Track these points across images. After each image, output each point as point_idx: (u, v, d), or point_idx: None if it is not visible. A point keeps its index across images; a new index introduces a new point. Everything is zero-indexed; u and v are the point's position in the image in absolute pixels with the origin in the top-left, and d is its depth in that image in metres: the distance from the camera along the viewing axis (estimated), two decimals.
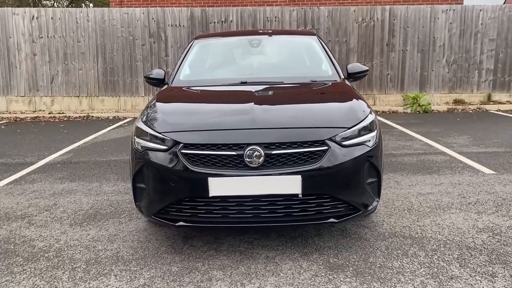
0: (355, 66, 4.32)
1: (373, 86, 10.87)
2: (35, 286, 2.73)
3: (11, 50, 10.65)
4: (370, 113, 3.22)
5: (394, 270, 2.82)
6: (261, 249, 3.15)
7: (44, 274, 2.88)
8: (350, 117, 3.10)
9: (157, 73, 4.32)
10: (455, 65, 10.81)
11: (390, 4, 11.78)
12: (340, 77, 4.12)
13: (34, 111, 10.80)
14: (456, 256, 3.00)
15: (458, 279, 2.70)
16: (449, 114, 10.07)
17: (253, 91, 3.62)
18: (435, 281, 2.68)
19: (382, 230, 3.46)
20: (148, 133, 3.06)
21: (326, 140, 2.86)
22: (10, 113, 10.72)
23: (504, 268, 2.83)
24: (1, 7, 15.76)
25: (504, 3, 22.11)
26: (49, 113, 10.64)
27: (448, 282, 2.67)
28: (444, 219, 3.68)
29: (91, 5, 26.74)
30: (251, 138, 2.84)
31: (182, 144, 2.88)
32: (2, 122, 9.94)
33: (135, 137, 3.16)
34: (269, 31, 5.65)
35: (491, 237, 3.29)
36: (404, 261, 2.95)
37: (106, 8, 10.89)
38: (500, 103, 10.81)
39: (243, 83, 3.92)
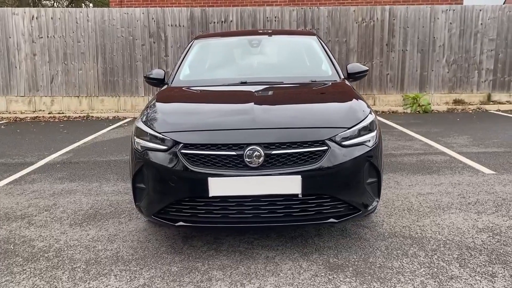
0: (355, 66, 4.32)
1: (373, 86, 10.87)
2: (35, 286, 2.73)
3: (11, 50, 10.65)
4: (370, 113, 3.22)
5: (394, 270, 2.82)
6: (261, 249, 3.15)
7: (44, 274, 2.88)
8: (350, 117, 3.10)
9: (157, 73, 4.32)
10: (455, 65, 10.81)
11: (390, 4, 11.77)
12: (340, 77, 4.12)
13: (34, 111, 10.79)
14: (456, 256, 3.00)
15: (458, 279, 2.70)
16: (449, 114, 10.07)
17: (253, 91, 3.62)
18: (435, 281, 2.68)
19: (382, 230, 3.46)
20: (148, 133, 3.06)
21: (326, 140, 2.86)
22: (10, 113, 10.72)
23: (504, 268, 2.83)
24: (1, 7, 15.75)
25: (504, 3, 22.12)
26: (49, 113, 10.63)
27: (448, 282, 2.67)
28: (444, 219, 3.68)
29: (91, 5, 26.74)
30: (251, 138, 2.84)
31: (182, 144, 2.88)
32: (2, 122, 9.94)
33: (135, 137, 3.16)
34: (269, 31, 5.65)
35: (491, 237, 3.29)
36: (404, 261, 2.95)
37: (106, 8, 10.89)
38: (500, 103, 10.81)
39: (243, 83, 3.92)
